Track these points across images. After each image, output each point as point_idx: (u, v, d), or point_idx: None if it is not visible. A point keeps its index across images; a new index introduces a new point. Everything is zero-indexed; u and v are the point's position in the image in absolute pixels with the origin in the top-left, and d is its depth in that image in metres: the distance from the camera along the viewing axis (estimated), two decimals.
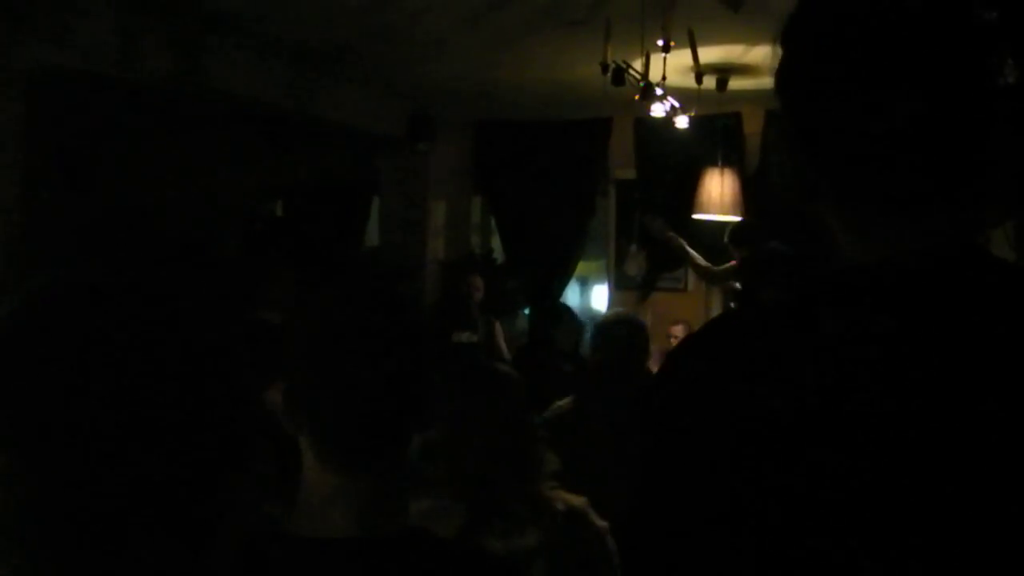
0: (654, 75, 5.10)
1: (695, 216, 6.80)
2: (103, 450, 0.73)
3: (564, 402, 3.90)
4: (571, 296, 9.67)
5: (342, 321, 1.39)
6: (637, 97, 5.19)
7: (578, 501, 2.47)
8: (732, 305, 4.14)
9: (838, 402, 0.85)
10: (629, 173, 7.80)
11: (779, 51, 1.02)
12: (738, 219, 6.66)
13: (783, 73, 1.02)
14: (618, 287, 8.21)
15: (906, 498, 0.82)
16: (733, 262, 5.87)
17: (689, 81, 5.43)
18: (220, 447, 0.79)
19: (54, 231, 6.69)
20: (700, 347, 0.99)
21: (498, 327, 7.17)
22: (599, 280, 9.56)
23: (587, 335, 4.32)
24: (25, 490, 0.73)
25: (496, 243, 8.60)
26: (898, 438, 0.83)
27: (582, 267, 8.70)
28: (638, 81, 5.18)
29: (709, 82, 5.75)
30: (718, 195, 6.70)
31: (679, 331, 6.82)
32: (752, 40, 5.58)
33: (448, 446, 2.42)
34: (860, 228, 0.97)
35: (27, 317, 0.78)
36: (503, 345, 7.11)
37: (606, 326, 4.03)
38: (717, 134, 6.90)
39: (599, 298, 9.75)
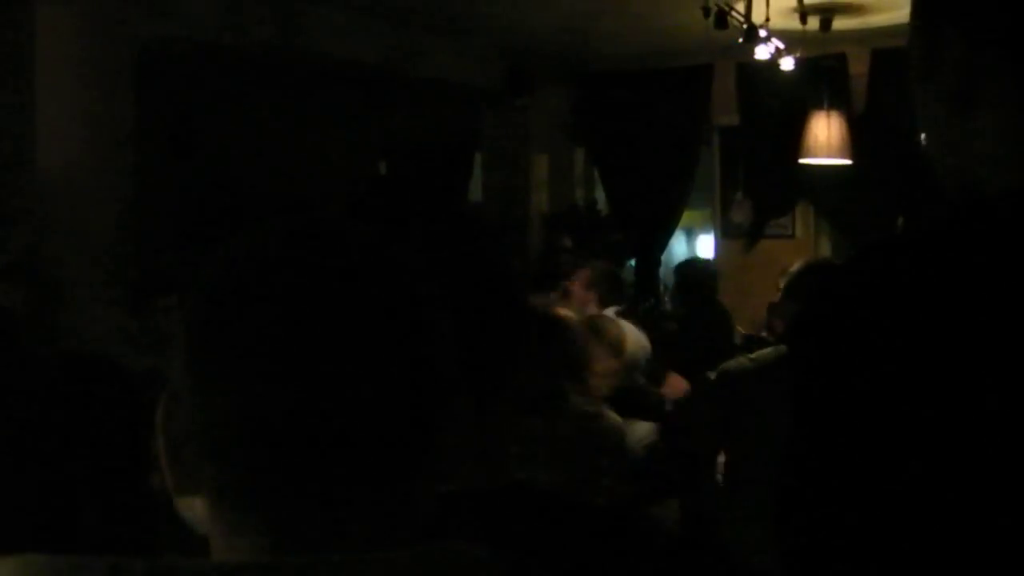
0: (757, 16, 5.01)
1: (802, 161, 6.69)
2: (313, 388, 0.72)
3: (739, 362, 3.41)
4: (677, 246, 9.60)
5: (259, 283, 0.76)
6: (740, 40, 5.10)
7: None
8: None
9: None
10: (732, 120, 7.68)
11: None
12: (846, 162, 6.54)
13: None
14: (725, 236, 8.12)
15: None
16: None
17: (792, 22, 5.33)
18: (432, 392, 0.77)
19: (166, 197, 6.85)
20: (863, 281, 0.93)
21: None
22: (705, 229, 9.47)
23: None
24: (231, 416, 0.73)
25: (600, 195, 8.56)
26: None
27: (687, 217, 8.62)
28: (741, 24, 5.09)
29: (813, 23, 5.62)
30: (825, 138, 6.57)
31: None
32: None
33: None
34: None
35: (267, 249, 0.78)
36: None
37: (799, 279, 3.40)
38: (822, 76, 6.74)
39: (705, 248, 9.67)
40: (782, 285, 3.62)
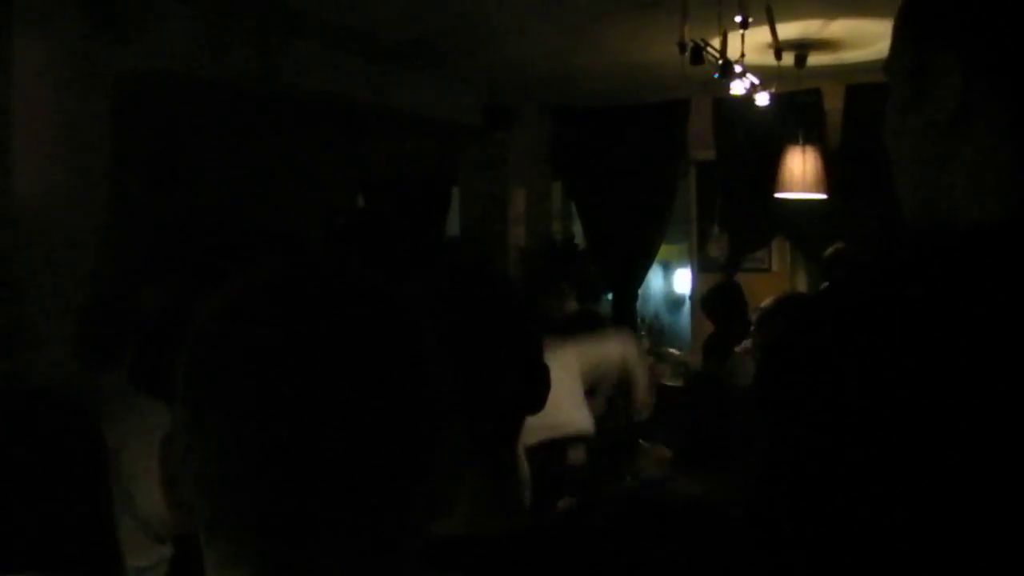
0: (732, 53, 5.04)
1: (778, 195, 6.73)
2: (302, 433, 0.73)
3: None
4: (654, 280, 9.62)
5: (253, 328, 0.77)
6: (716, 76, 5.14)
7: None
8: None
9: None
10: (709, 154, 7.73)
11: None
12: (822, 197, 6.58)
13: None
14: (701, 270, 8.15)
15: None
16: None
17: (768, 58, 5.37)
18: (424, 428, 0.78)
19: (142, 229, 6.83)
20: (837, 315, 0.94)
21: None
22: (682, 263, 9.51)
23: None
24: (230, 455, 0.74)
25: (577, 229, 8.58)
26: None
27: (664, 251, 8.65)
28: (716, 59, 5.13)
29: (788, 59, 5.67)
30: (800, 173, 6.62)
31: None
32: (831, 15, 5.49)
33: None
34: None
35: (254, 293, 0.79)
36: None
37: (769, 313, 3.45)
38: (797, 111, 6.80)
39: (682, 281, 9.69)
40: (753, 319, 3.65)
